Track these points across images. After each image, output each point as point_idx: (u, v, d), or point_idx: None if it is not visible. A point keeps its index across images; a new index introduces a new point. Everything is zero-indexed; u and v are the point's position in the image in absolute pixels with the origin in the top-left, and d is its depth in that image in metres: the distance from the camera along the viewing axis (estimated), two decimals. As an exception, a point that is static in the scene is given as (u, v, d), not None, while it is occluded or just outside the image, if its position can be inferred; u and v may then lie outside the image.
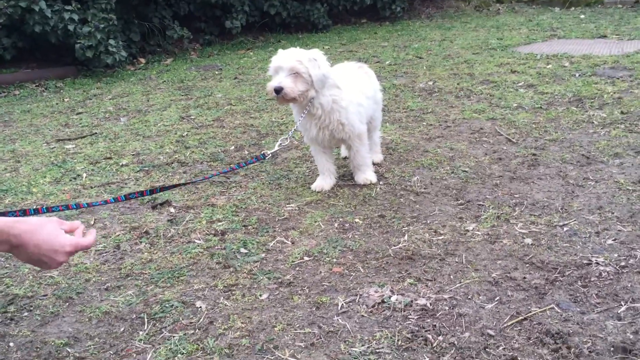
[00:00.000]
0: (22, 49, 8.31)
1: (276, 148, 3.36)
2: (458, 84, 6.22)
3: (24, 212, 2.00)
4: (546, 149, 4.11)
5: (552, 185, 3.49)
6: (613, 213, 3.06)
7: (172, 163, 4.33)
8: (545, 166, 3.80)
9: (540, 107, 5.11)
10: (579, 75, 6.14)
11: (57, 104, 6.74)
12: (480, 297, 2.42)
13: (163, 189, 2.86)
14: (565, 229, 2.94)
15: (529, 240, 2.85)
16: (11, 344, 2.29)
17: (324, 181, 3.71)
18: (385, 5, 12.24)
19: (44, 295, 2.62)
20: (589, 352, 2.02)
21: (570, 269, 2.56)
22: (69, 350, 2.23)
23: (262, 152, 3.23)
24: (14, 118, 6.11)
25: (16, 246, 1.53)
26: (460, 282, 2.54)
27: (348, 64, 3.86)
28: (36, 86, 7.86)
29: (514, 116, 4.92)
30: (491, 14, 12.75)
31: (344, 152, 4.21)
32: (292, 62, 3.31)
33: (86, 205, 2.36)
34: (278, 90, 3.30)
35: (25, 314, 2.49)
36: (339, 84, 3.51)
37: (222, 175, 3.97)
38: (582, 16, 11.29)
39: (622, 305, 2.27)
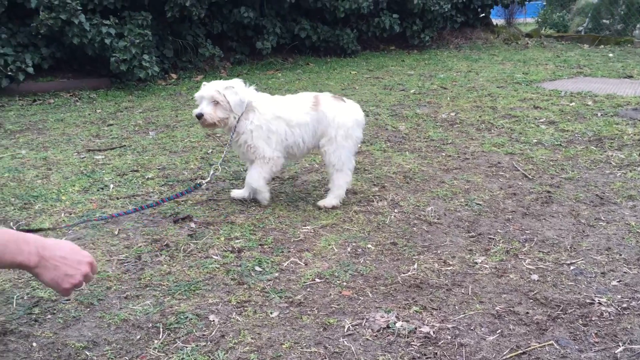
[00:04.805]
0: (59, 59, 8.63)
1: (209, 178, 3.96)
2: (480, 116, 6.32)
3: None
4: (561, 187, 4.18)
5: (564, 224, 3.56)
6: (621, 255, 3.12)
7: (196, 179, 4.49)
8: (558, 204, 3.86)
9: (560, 145, 5.18)
10: (601, 114, 6.20)
11: (89, 114, 6.99)
12: (483, 329, 2.50)
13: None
14: (572, 267, 3.01)
15: (535, 277, 2.92)
16: (34, 344, 2.43)
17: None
18: (414, 33, 12.42)
19: (67, 300, 2.76)
20: (583, 389, 2.09)
21: (572, 307, 2.63)
22: (88, 353, 2.36)
23: (198, 182, 3.78)
24: (48, 126, 6.35)
25: (44, 258, 1.64)
26: (464, 313, 2.62)
27: (304, 94, 3.97)
28: (70, 96, 8.14)
29: (533, 152, 5.00)
30: (519, 48, 12.84)
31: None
32: (211, 92, 3.74)
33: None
34: (199, 116, 3.75)
35: (49, 316, 2.64)
36: (261, 108, 3.81)
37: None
38: (611, 55, 11.32)
39: (619, 346, 2.34)
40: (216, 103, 3.72)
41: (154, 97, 8.10)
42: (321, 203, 3.92)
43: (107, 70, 8.62)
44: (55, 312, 2.67)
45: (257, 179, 3.88)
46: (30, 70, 7.94)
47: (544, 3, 21.41)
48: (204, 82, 3.87)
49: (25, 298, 2.78)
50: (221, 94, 3.71)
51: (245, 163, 4.12)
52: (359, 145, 4.20)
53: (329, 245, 3.35)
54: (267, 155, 3.83)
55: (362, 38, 12.19)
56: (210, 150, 5.27)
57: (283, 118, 3.82)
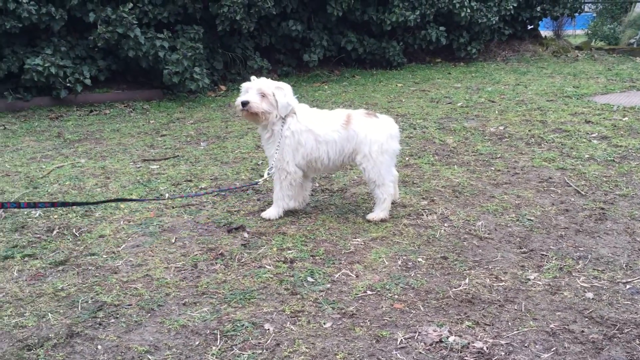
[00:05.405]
0: (115, 71, 8.94)
1: (266, 176, 3.98)
2: (529, 130, 6.26)
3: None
4: (615, 203, 4.11)
5: (619, 242, 3.51)
6: (679, 275, 3.06)
7: (247, 190, 4.59)
8: (613, 221, 3.81)
9: (613, 160, 5.10)
10: (656, 130, 6.06)
11: (143, 124, 7.21)
12: (537, 346, 2.49)
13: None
14: (628, 286, 2.97)
15: (590, 295, 2.90)
16: (99, 347, 2.54)
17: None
18: (461, 46, 12.37)
19: (129, 305, 2.88)
20: (642, 410, 2.07)
21: (629, 326, 2.60)
22: (150, 357, 2.46)
23: (256, 180, 4.10)
24: (105, 136, 6.59)
25: None
26: (517, 330, 2.62)
27: (339, 112, 4.00)
28: (125, 106, 8.42)
29: (585, 167, 4.93)
30: (569, 60, 12.63)
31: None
32: (261, 85, 3.80)
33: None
34: (244, 103, 3.75)
35: (112, 320, 2.75)
36: (299, 117, 3.87)
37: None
38: (665, 68, 11.03)
39: (679, 367, 2.30)
40: (263, 96, 3.77)
41: (204, 108, 8.30)
42: (370, 217, 3.96)
43: (159, 82, 8.88)
44: (118, 316, 2.78)
45: (282, 197, 3.99)
46: (88, 81, 8.25)
47: (594, 15, 21.00)
48: (252, 77, 3.92)
49: (89, 302, 2.91)
50: (271, 90, 3.78)
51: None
52: (401, 156, 4.23)
53: (380, 257, 3.39)
54: (287, 170, 3.91)
55: (408, 50, 12.20)
56: (260, 162, 5.38)
57: (313, 132, 3.88)
